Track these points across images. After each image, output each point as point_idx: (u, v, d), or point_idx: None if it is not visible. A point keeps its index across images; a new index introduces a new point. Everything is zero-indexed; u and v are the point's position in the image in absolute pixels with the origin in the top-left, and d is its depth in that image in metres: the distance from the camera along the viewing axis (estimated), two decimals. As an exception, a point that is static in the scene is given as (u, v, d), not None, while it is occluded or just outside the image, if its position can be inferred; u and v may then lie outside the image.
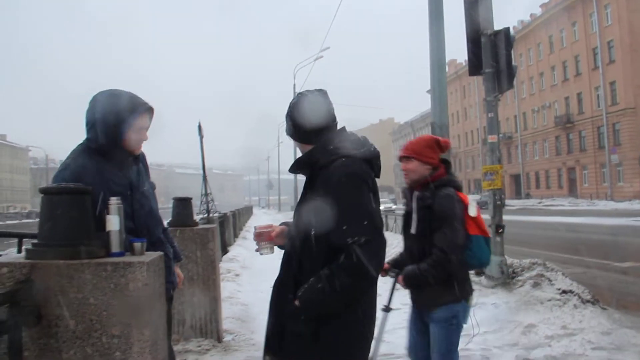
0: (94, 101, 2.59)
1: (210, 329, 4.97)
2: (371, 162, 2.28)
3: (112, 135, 2.56)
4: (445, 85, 9.55)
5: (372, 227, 2.13)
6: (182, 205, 4.98)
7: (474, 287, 7.01)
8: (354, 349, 2.23)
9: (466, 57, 8.15)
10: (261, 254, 2.47)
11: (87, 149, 2.60)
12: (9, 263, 1.93)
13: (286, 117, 2.35)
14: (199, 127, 8.00)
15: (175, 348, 3.80)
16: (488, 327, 5.59)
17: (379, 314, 2.61)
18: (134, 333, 1.91)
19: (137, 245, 2.10)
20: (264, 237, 2.43)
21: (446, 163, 3.25)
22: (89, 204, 2.02)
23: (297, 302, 2.14)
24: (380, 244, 2.17)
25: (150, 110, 2.71)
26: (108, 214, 2.10)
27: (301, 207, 2.29)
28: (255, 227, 2.49)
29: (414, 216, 3.21)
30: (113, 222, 2.09)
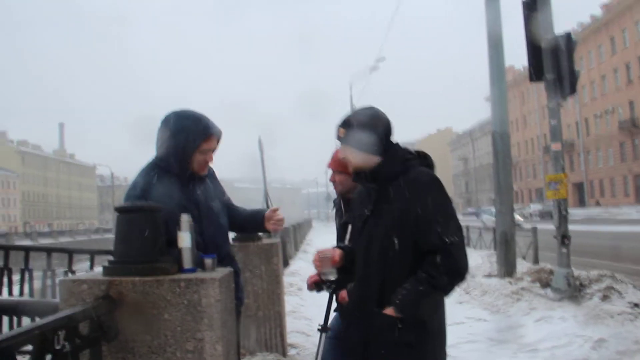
0: (165, 121, 2.65)
1: (275, 343, 5.00)
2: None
3: (179, 156, 2.61)
4: (506, 92, 9.42)
5: (459, 228, 2.24)
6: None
7: (541, 300, 6.91)
8: (442, 354, 2.32)
9: (524, 63, 8.01)
10: (325, 279, 2.45)
11: (155, 167, 2.65)
12: (88, 280, 2.02)
13: (352, 129, 2.30)
14: (259, 142, 8.11)
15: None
16: (556, 342, 5.41)
17: (317, 334, 2.67)
18: (207, 348, 1.95)
19: (208, 261, 2.14)
20: (327, 262, 2.41)
21: None
22: (160, 222, 2.08)
23: (392, 310, 2.17)
24: (464, 244, 2.27)
25: (218, 133, 2.73)
26: (179, 230, 2.15)
27: (375, 219, 2.29)
28: (316, 252, 2.46)
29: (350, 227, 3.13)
30: (184, 239, 2.13)
